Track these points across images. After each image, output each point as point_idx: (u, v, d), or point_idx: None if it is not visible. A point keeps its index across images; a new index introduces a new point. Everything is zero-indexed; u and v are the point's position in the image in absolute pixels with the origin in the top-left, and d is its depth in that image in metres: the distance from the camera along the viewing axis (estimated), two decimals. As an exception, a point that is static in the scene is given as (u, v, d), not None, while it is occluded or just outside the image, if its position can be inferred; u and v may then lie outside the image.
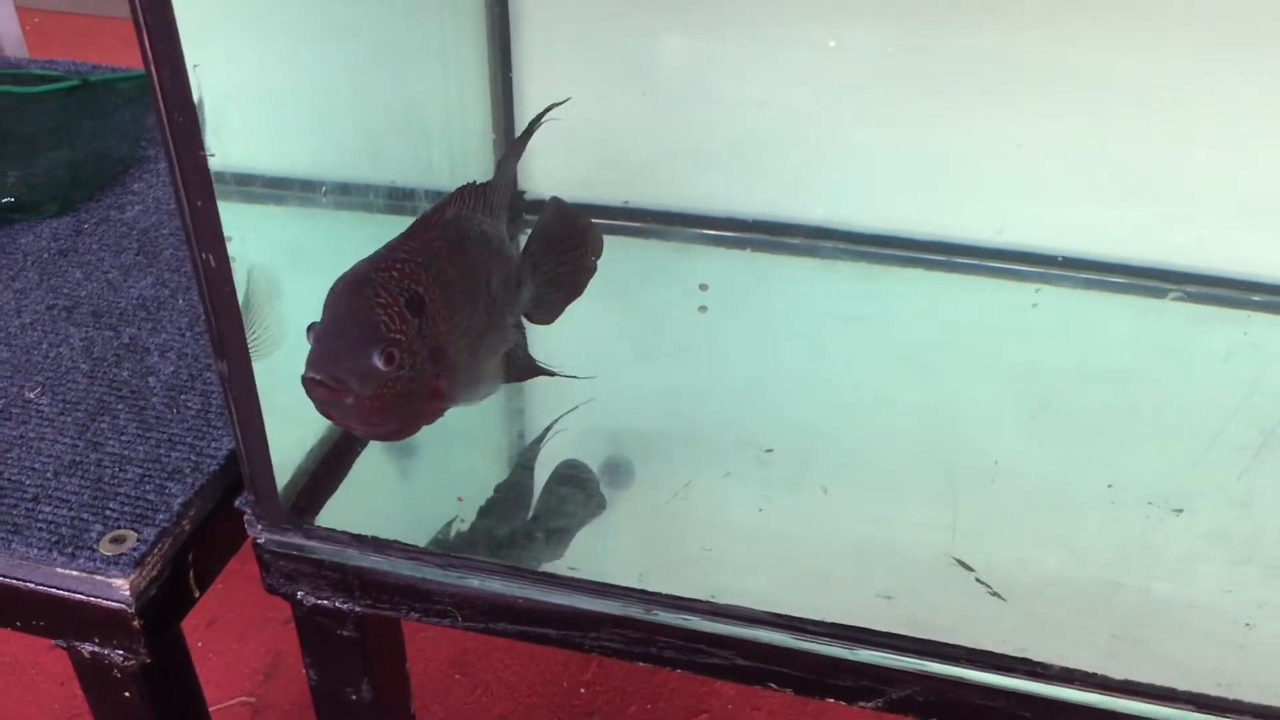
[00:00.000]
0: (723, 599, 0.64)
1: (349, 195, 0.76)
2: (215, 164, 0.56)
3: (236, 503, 0.70)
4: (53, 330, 0.87)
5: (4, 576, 0.69)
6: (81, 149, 1.05)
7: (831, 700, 0.64)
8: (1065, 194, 0.90)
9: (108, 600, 0.67)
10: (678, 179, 0.97)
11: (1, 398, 0.80)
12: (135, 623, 0.67)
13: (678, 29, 0.91)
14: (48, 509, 0.71)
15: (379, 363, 0.59)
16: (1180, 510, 0.72)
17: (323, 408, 0.60)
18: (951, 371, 0.85)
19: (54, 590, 0.68)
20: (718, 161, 0.96)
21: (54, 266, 0.94)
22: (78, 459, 0.75)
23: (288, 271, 0.64)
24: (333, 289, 0.61)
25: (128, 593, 0.67)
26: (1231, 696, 0.59)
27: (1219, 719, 0.59)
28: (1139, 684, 0.60)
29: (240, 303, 0.61)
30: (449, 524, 0.72)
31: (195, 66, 0.53)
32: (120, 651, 0.69)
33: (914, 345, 0.87)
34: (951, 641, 0.62)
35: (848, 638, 0.62)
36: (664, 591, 0.65)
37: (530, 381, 0.76)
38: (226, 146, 0.57)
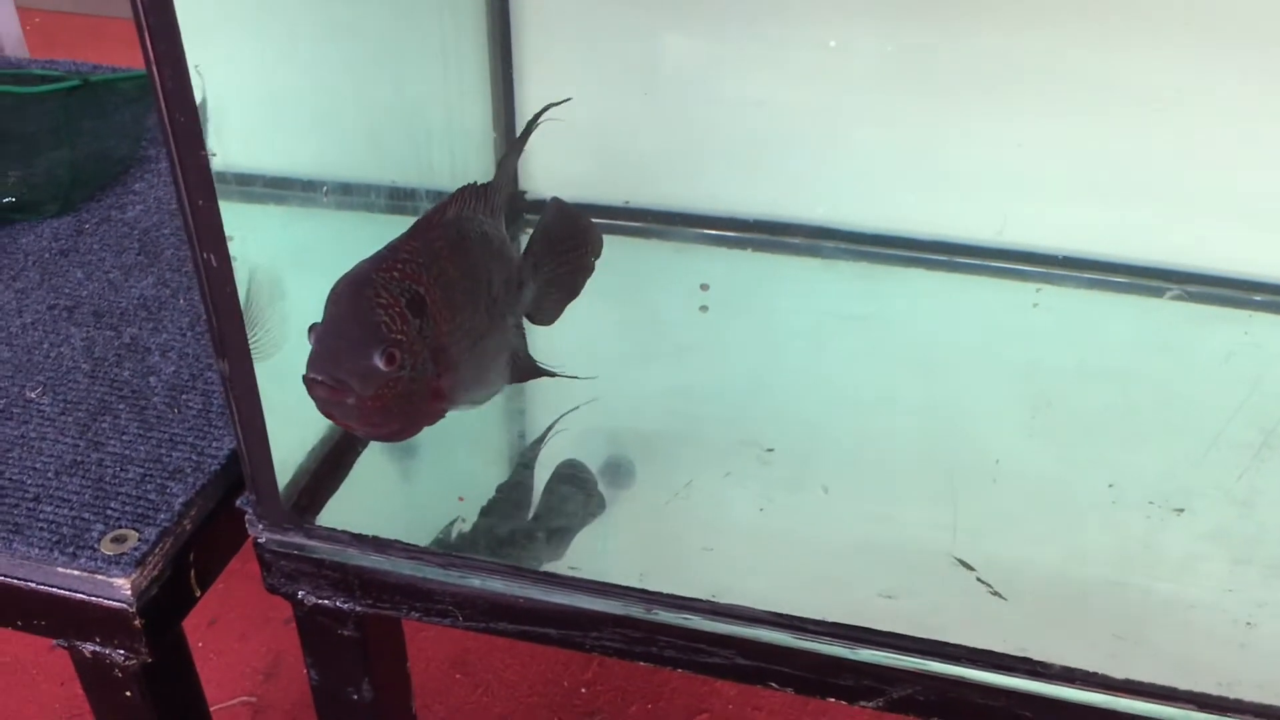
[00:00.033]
0: (724, 598, 0.64)
1: (350, 195, 0.76)
2: (216, 164, 0.56)
3: (238, 502, 0.70)
4: (54, 330, 0.87)
5: (5, 576, 0.69)
6: (82, 149, 1.05)
7: (832, 700, 0.64)
8: (1066, 194, 0.90)
9: (109, 600, 0.67)
10: (679, 179, 0.97)
11: (3, 397, 0.80)
12: (136, 622, 0.67)
13: (678, 29, 0.91)
14: (49, 508, 0.71)
15: (380, 363, 0.59)
16: (1181, 510, 0.72)
17: (324, 408, 0.60)
18: (952, 371, 0.85)
19: (55, 590, 0.68)
20: (718, 161, 0.96)
21: (55, 266, 0.94)
22: (79, 459, 0.75)
23: (288, 271, 0.64)
24: (334, 289, 0.61)
25: (129, 592, 0.67)
26: (1232, 696, 0.59)
27: (1220, 718, 0.59)
28: (1140, 683, 0.60)
29: (241, 303, 0.61)
30: (450, 524, 0.72)
31: (196, 67, 0.54)
32: (121, 651, 0.69)
33: (915, 345, 0.87)
34: (952, 641, 0.62)
35: (849, 637, 0.62)
36: (665, 591, 0.65)
37: (531, 382, 0.76)
38: (227, 146, 0.57)
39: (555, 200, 0.78)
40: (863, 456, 0.78)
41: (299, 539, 0.69)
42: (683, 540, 0.71)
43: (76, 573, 0.67)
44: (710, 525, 0.72)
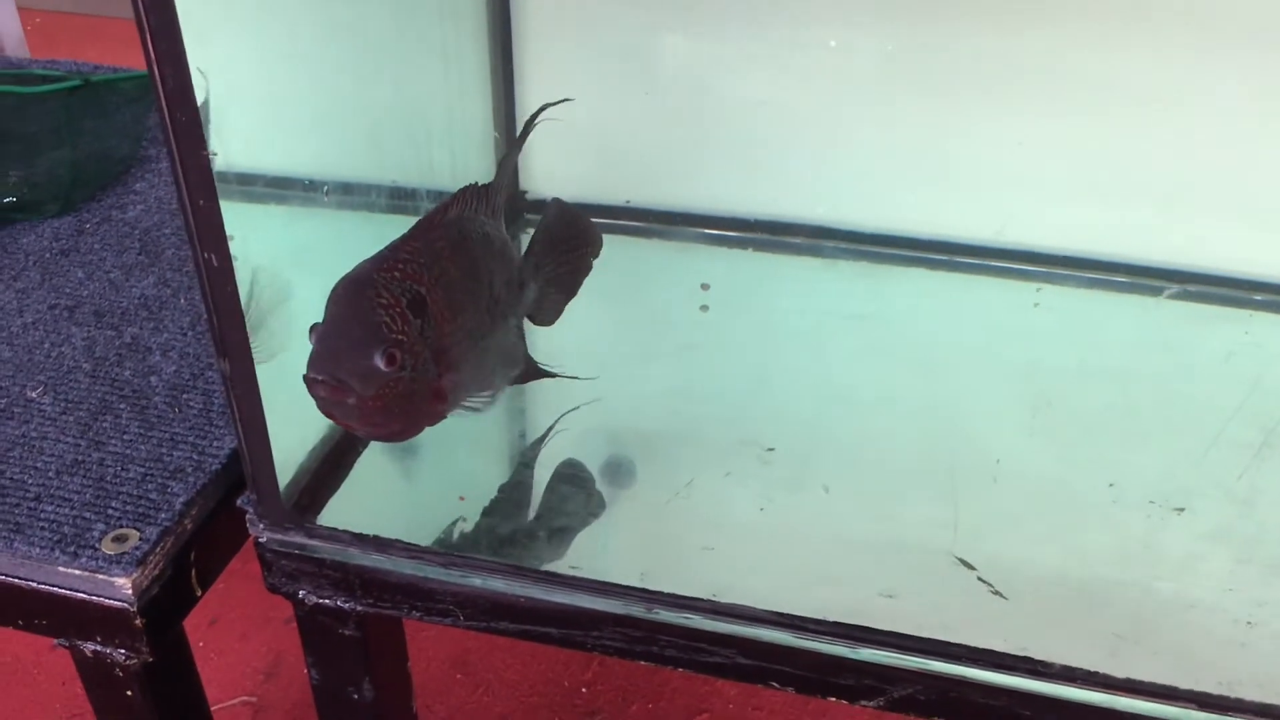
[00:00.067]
0: (724, 598, 0.64)
1: (351, 195, 0.76)
2: (217, 163, 0.56)
3: (238, 502, 0.70)
4: (55, 330, 0.87)
5: (6, 575, 0.69)
6: (83, 149, 1.05)
7: (833, 699, 0.64)
8: (1066, 193, 0.90)
9: (110, 599, 0.67)
10: (679, 178, 0.97)
11: (4, 397, 0.80)
12: (137, 622, 0.67)
13: (679, 29, 0.91)
14: (50, 508, 0.71)
15: (380, 363, 0.59)
16: (1181, 509, 0.72)
17: (324, 407, 0.60)
18: (953, 370, 0.85)
19: (56, 589, 0.68)
20: (719, 161, 0.96)
21: (56, 266, 0.94)
22: (80, 458, 0.75)
23: (289, 271, 0.64)
24: (335, 289, 0.61)
25: (130, 592, 0.67)
26: (1233, 695, 0.59)
27: (1220, 717, 0.59)
28: (1140, 682, 0.60)
29: (244, 305, 0.61)
30: (451, 523, 0.72)
31: (199, 69, 0.54)
32: (122, 650, 0.69)
33: (915, 344, 0.87)
34: (953, 640, 0.62)
35: (849, 636, 0.63)
36: (665, 590, 0.65)
37: (532, 382, 0.76)
38: (228, 146, 0.57)
39: (556, 200, 0.78)
40: (863, 456, 0.78)
41: (300, 538, 0.69)
42: (683, 539, 0.71)
43: (78, 572, 0.67)
44: (711, 524, 0.72)
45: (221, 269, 0.59)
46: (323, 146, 0.75)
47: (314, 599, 0.71)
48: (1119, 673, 0.60)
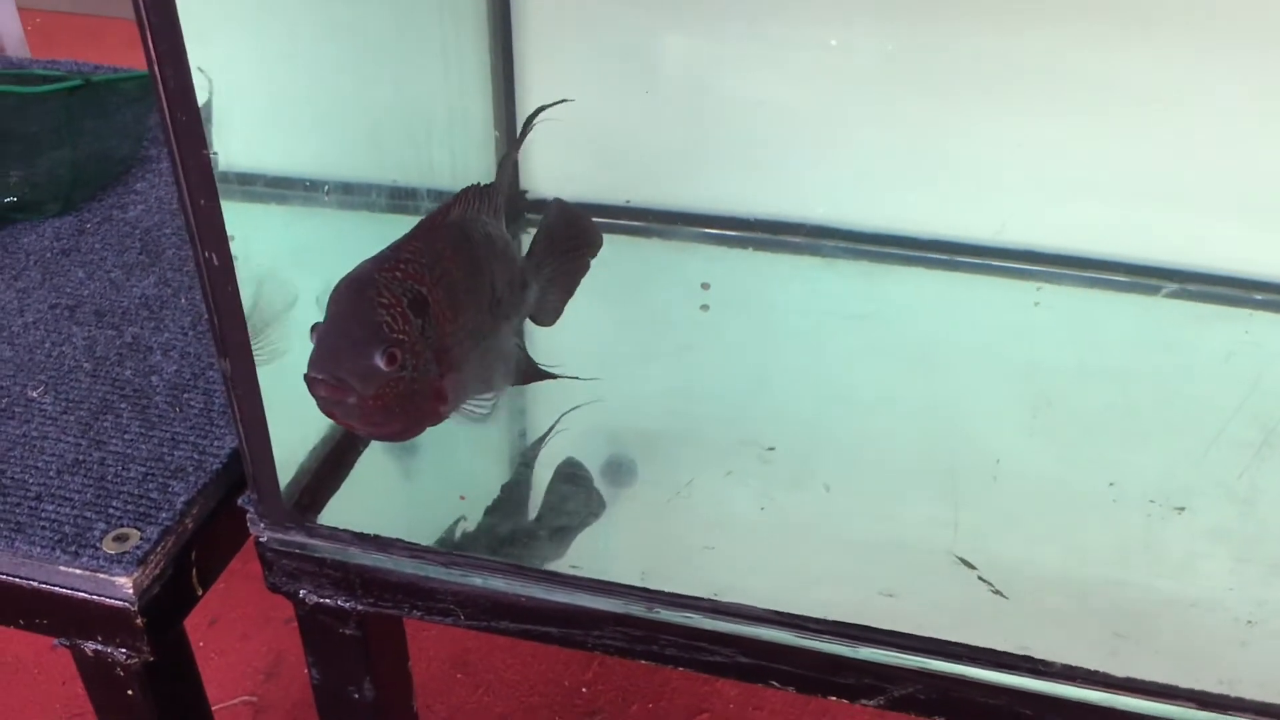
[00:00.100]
0: (725, 597, 0.64)
1: (351, 194, 0.76)
2: (218, 163, 0.56)
3: (239, 501, 0.70)
4: (55, 329, 0.87)
5: (7, 575, 0.69)
6: (84, 148, 1.05)
7: (834, 698, 0.65)
8: (1066, 193, 0.90)
9: (111, 599, 0.67)
10: (679, 178, 0.97)
11: (5, 397, 0.80)
12: (138, 621, 0.67)
13: (679, 28, 0.91)
14: (51, 507, 0.71)
15: (381, 363, 0.59)
16: (1182, 508, 0.72)
17: (325, 407, 0.60)
18: (953, 370, 0.85)
19: (57, 588, 0.68)
20: (719, 160, 0.96)
21: (56, 266, 0.94)
22: (81, 457, 0.75)
23: (290, 271, 0.64)
24: (336, 289, 0.61)
25: (131, 591, 0.67)
26: (1233, 694, 0.59)
27: (1220, 716, 0.59)
28: (1140, 681, 0.60)
29: (246, 310, 0.61)
30: (452, 523, 0.72)
31: (201, 69, 0.54)
32: (123, 650, 0.69)
33: (915, 344, 0.87)
34: (954, 639, 0.62)
35: (850, 636, 0.63)
36: (666, 590, 0.65)
37: (532, 382, 0.76)
38: (229, 146, 0.57)
39: (558, 201, 0.78)
40: (863, 455, 0.78)
41: (300, 538, 0.69)
42: (684, 539, 0.71)
43: (78, 571, 0.67)
44: (711, 524, 0.72)
45: (222, 268, 0.59)
46: (323, 146, 0.75)
47: (314, 598, 0.71)
48: (1119, 672, 0.60)
